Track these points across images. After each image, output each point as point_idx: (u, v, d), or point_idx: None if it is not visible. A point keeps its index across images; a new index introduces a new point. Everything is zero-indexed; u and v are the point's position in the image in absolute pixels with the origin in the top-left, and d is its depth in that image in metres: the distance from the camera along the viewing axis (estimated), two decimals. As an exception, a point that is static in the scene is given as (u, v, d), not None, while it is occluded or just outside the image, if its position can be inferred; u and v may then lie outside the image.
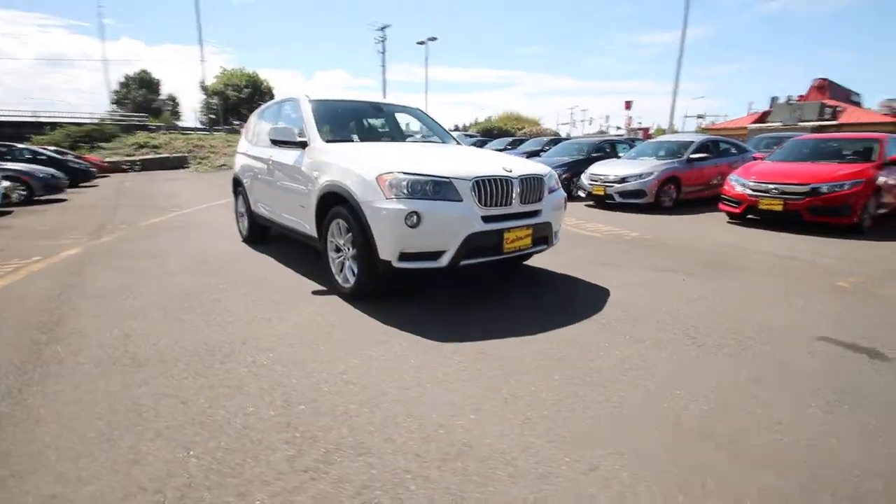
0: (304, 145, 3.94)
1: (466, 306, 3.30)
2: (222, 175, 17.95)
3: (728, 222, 7.10)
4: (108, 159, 19.08)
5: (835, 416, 1.95)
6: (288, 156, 4.16)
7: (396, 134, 4.75)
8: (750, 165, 7.41)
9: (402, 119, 4.97)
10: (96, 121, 24.94)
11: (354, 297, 3.36)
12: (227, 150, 22.45)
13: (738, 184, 6.94)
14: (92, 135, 21.59)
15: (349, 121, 4.62)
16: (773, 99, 31.08)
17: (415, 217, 2.92)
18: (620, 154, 10.65)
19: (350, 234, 3.27)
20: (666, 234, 6.28)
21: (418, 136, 4.61)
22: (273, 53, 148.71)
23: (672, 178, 8.35)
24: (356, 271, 3.28)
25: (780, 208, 6.37)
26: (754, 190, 6.67)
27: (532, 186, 3.38)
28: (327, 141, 3.89)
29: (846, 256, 4.97)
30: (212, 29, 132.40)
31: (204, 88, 34.19)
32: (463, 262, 3.09)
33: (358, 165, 3.24)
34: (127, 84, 46.13)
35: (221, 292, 3.62)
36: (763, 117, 26.24)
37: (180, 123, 40.45)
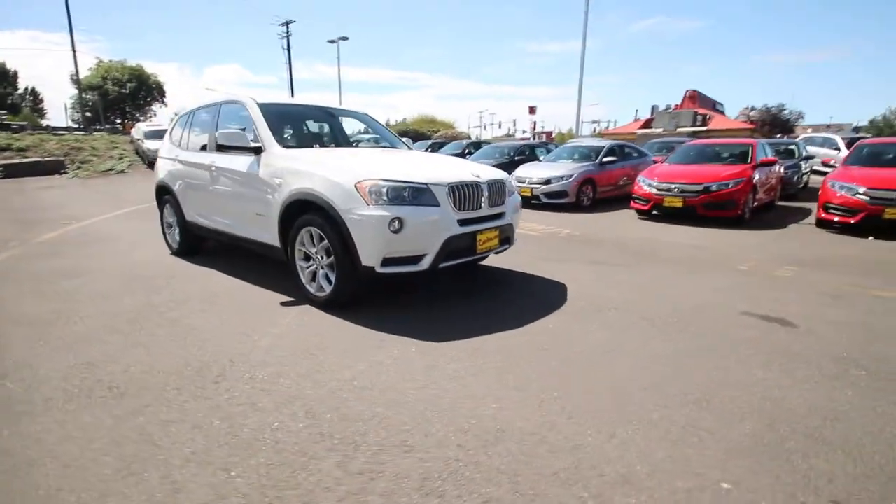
0: (257, 151, 3.79)
1: (442, 308, 3.44)
2: (112, 181, 16.02)
3: (638, 218, 8.01)
4: (-44, 165, 16.01)
5: (772, 373, 2.42)
6: (237, 162, 3.96)
7: (346, 139, 4.73)
8: (653, 168, 8.43)
9: (350, 124, 4.95)
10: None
11: (330, 305, 3.33)
12: (112, 152, 20.02)
13: (645, 184, 7.87)
14: (-70, 135, 17.93)
15: (300, 125, 4.51)
16: (654, 107, 35.13)
17: (397, 223, 2.99)
18: (540, 157, 11.44)
19: (325, 241, 3.24)
20: (592, 230, 6.93)
21: (369, 141, 4.63)
22: (153, 44, 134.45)
23: (588, 179, 9.19)
24: (333, 279, 3.26)
25: (680, 205, 7.36)
26: (659, 189, 7.63)
27: (498, 190, 3.61)
28: (285, 147, 3.79)
29: (737, 244, 5.92)
30: (79, 14, 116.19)
31: (77, 82, 29.87)
32: (441, 265, 3.23)
33: (331, 172, 3.23)
34: (-31, 75, 38.93)
35: (175, 310, 3.36)
36: (647, 123, 29.62)
37: (45, 122, 35.06)
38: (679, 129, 25.49)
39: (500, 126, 58.52)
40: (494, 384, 2.27)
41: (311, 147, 4.09)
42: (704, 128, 25.98)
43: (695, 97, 30.07)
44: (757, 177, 7.54)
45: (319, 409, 2.05)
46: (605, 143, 10.74)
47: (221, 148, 4.25)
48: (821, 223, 6.85)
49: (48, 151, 19.23)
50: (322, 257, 3.34)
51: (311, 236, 3.37)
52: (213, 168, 4.25)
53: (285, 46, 33.89)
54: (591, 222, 7.70)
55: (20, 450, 1.77)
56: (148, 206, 9.91)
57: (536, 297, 3.69)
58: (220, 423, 1.95)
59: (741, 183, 7.15)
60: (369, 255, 3.05)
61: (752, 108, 34.17)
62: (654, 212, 7.83)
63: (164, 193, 5.23)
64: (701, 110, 27.96)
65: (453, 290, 3.85)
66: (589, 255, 5.28)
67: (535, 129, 52.55)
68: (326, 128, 4.70)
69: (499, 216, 3.63)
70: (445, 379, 2.32)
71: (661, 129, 25.87)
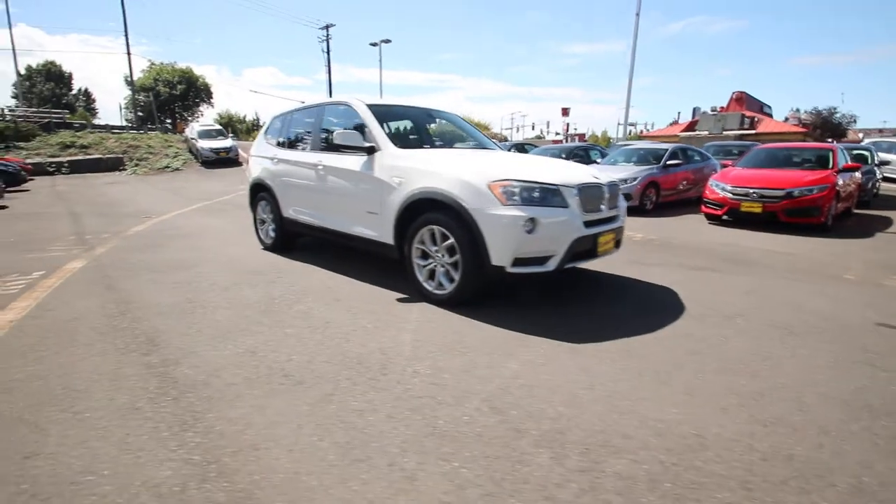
0: (370, 151, 3.88)
1: (560, 309, 3.43)
2: (168, 179, 16.69)
3: (708, 223, 7.82)
4: (28, 161, 16.97)
5: (949, 387, 2.32)
6: (347, 161, 4.06)
7: (448, 139, 4.78)
8: (726, 171, 8.21)
9: (445, 125, 5.00)
10: (7, 118, 22.05)
11: (449, 303, 3.37)
12: (167, 150, 20.84)
13: (719, 188, 7.67)
14: (4, 133, 19.05)
15: (406, 126, 4.60)
16: (696, 109, 34.24)
17: (531, 223, 3.01)
18: (596, 160, 11.30)
19: (449, 240, 3.28)
20: (665, 234, 6.80)
21: (471, 143, 4.67)
22: (192, 46, 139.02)
23: (652, 182, 9.02)
24: (457, 277, 3.30)
25: (759, 210, 7.13)
26: (735, 194, 7.41)
27: (615, 193, 3.60)
28: (399, 147, 3.87)
29: (828, 252, 5.70)
30: (120, 16, 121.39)
31: (131, 83, 31.26)
32: (564, 266, 3.23)
33: (461, 172, 3.27)
34: (30, 76, 41.16)
35: (300, 303, 3.47)
36: (691, 126, 28.87)
37: (97, 121, 36.77)
38: (725, 132, 24.74)
39: (532, 128, 58.14)
40: (662, 388, 2.25)
41: (421, 147, 4.14)
42: (753, 131, 25.13)
43: (742, 99, 29.14)
44: (840, 182, 7.25)
45: (499, 405, 2.07)
46: (667, 146, 10.52)
47: (329, 147, 4.39)
48: None
49: (108, 149, 20.19)
50: (443, 256, 3.39)
51: (433, 235, 3.42)
52: (320, 167, 4.37)
53: (325, 49, 34.54)
54: (660, 226, 7.55)
55: (236, 434, 1.85)
56: (212, 202, 10.32)
57: (652, 302, 3.64)
58: (412, 413, 2.00)
59: (826, 189, 6.89)
60: (501, 254, 3.07)
61: (799, 111, 32.95)
62: (726, 217, 7.62)
63: (259, 191, 5.41)
64: (748, 113, 27.08)
65: (560, 291, 3.84)
66: (676, 259, 5.18)
67: (567, 130, 51.99)
68: (427, 128, 4.77)
69: (614, 219, 3.61)
70: (608, 380, 2.31)
71: (706, 132, 25.16)
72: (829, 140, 25.11)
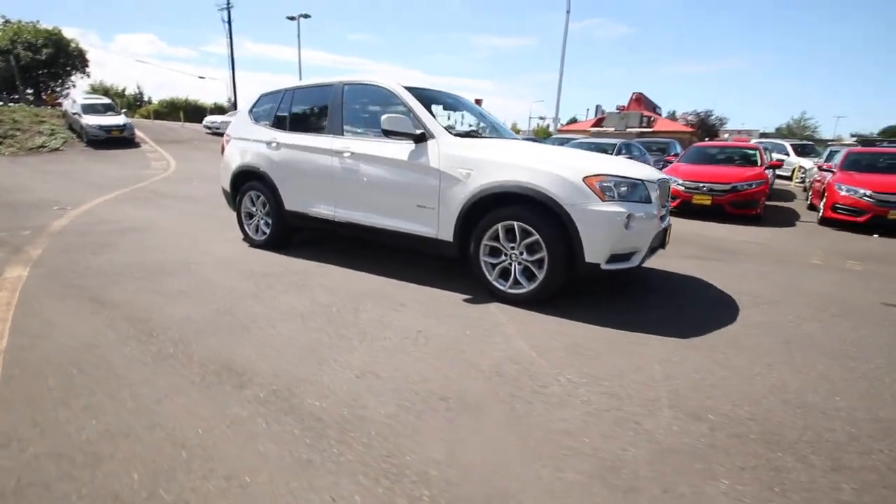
0: (420, 139, 3.55)
1: (629, 306, 3.46)
2: (48, 161, 13.94)
3: (662, 214, 8.51)
4: None
5: None
6: (390, 149, 3.68)
7: (491, 128, 4.49)
8: (675, 167, 8.98)
9: (476, 112, 4.70)
10: None
11: (529, 302, 3.22)
12: (41, 126, 17.36)
13: (672, 182, 8.37)
14: None
15: (446, 113, 4.26)
16: (598, 107, 37.20)
17: (628, 219, 2.97)
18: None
19: (531, 237, 3.12)
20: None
21: (505, 134, 4.47)
22: (51, 2, 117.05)
23: (607, 175, 9.57)
24: (541, 276, 3.14)
25: (709, 202, 7.92)
26: (687, 188, 8.15)
27: (668, 189, 3.70)
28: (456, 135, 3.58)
29: (782, 240, 6.51)
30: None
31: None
32: (645, 261, 3.25)
33: (549, 165, 3.11)
34: None
35: (363, 311, 3.08)
36: (598, 122, 31.28)
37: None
38: (628, 129, 27.17)
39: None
40: (791, 378, 2.36)
41: (469, 136, 3.86)
42: (650, 129, 27.98)
43: (640, 99, 32.26)
44: (769, 177, 8.32)
45: (691, 409, 2.01)
46: (614, 140, 11.22)
47: (360, 132, 3.94)
48: (825, 221, 7.73)
49: (-44, 122, 16.32)
50: (521, 253, 3.22)
51: (509, 231, 3.23)
52: (346, 154, 3.90)
53: (225, 18, 31.22)
54: (627, 217, 8.04)
55: (464, 478, 1.56)
56: (129, 190, 8.82)
57: (698, 291, 3.81)
58: (620, 429, 1.85)
59: (762, 184, 7.85)
60: (597, 251, 2.99)
61: (675, 112, 37.42)
62: (675, 209, 8.35)
63: (247, 179, 4.70)
64: (646, 112, 30.07)
65: (600, 286, 3.88)
66: (670, 249, 5.53)
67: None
68: (464, 116, 4.48)
69: (667, 214, 3.72)
70: (752, 375, 2.36)
71: (612, 129, 27.42)
72: (706, 138, 28.83)
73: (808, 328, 3.06)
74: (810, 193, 9.55)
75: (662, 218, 3.42)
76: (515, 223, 3.18)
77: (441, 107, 4.30)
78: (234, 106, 31.80)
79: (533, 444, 1.75)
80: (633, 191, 3.09)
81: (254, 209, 4.75)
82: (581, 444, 1.76)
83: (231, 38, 31.73)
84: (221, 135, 22.10)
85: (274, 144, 4.44)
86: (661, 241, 3.40)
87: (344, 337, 2.66)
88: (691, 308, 3.39)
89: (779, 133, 49.19)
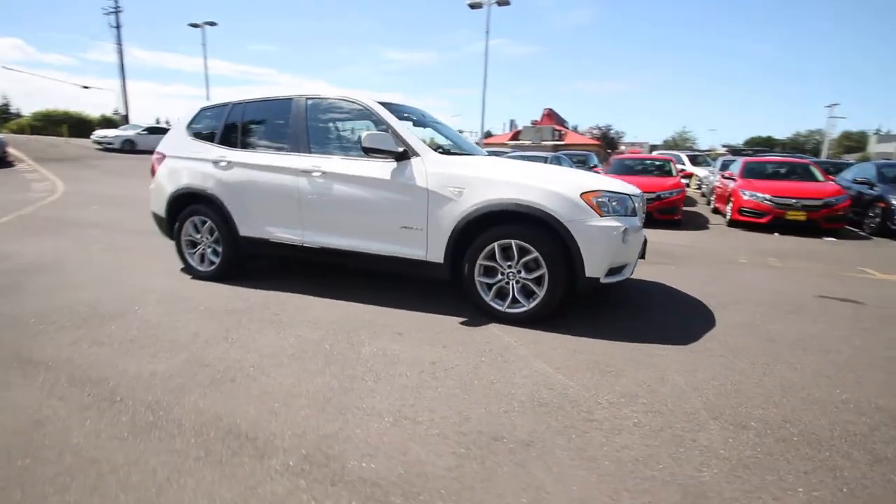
0: (402, 157, 3.37)
1: (616, 317, 3.54)
2: None
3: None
4: None
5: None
6: (368, 167, 3.45)
7: (461, 144, 4.36)
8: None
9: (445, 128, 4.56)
10: None
11: (530, 320, 3.15)
12: None
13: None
14: None
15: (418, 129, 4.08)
16: (512, 121, 39.11)
17: (625, 233, 3.04)
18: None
19: (531, 255, 3.07)
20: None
21: (478, 150, 4.39)
22: None
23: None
24: (542, 293, 3.09)
25: (639, 210, 8.56)
26: (618, 196, 8.74)
27: (643, 203, 3.87)
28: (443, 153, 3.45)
29: (704, 242, 7.20)
30: None
31: None
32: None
33: (546, 182, 3.09)
34: None
35: (363, 344, 2.81)
36: (515, 136, 32.82)
37: None
38: (543, 142, 28.81)
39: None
40: (801, 372, 2.54)
41: (448, 153, 3.73)
42: (562, 142, 29.93)
43: (551, 115, 34.47)
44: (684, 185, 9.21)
45: (726, 418, 2.05)
46: (546, 154, 11.75)
47: (330, 150, 3.69)
48: (733, 223, 8.70)
49: None
50: (519, 272, 3.16)
51: (505, 250, 3.16)
52: (318, 174, 3.59)
53: (114, 24, 28.17)
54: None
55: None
56: (14, 217, 7.46)
57: (671, 297, 4.02)
58: (735, 463, 1.82)
59: (681, 192, 8.66)
60: (597, 266, 3.02)
61: (577, 126, 40.63)
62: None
63: (188, 203, 4.16)
64: (557, 127, 32.18)
65: (585, 300, 3.96)
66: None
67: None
68: (436, 131, 4.32)
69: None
70: (760, 376, 2.50)
71: (529, 142, 28.92)
72: (609, 150, 31.52)
73: (777, 326, 3.34)
74: (713, 198, 10.73)
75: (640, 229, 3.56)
76: (513, 241, 3.11)
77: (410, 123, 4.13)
78: (126, 119, 28.67)
79: (611, 478, 1.66)
80: (623, 205, 3.18)
81: (198, 236, 4.20)
82: (657, 471, 1.71)
83: (120, 44, 28.66)
84: (117, 150, 19.84)
85: (223, 163, 3.97)
86: (642, 253, 3.54)
87: (355, 378, 2.39)
88: (672, 314, 3.56)
89: (666, 145, 55.37)
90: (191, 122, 4.31)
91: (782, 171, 9.48)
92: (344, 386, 2.30)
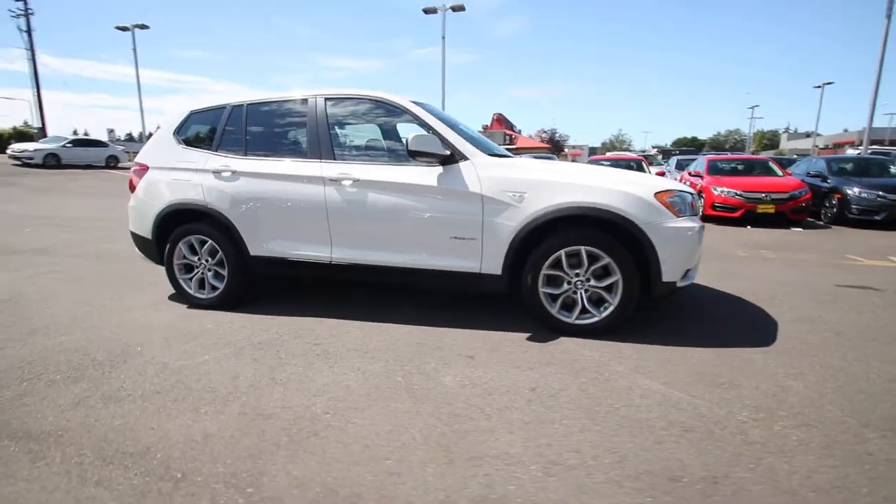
0: (448, 160, 3.06)
1: (668, 318, 3.41)
2: None
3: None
4: None
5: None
6: (410, 173, 3.11)
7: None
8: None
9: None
10: None
11: (600, 331, 2.93)
12: None
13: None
14: None
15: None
16: (462, 127, 39.22)
17: (701, 232, 2.92)
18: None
19: (602, 261, 2.86)
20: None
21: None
22: None
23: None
24: (615, 301, 2.88)
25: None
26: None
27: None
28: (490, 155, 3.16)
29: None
30: None
31: None
32: (690, 275, 3.24)
33: (617, 184, 2.89)
34: None
35: (441, 373, 2.47)
36: (467, 141, 32.98)
37: None
38: (495, 147, 29.13)
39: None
40: (881, 363, 2.50)
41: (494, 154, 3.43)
42: (514, 146, 30.41)
43: (501, 119, 35.02)
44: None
45: (868, 421, 1.93)
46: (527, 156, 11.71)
47: (360, 156, 3.30)
48: (705, 218, 9.05)
49: None
50: (588, 280, 2.93)
51: (572, 257, 2.92)
52: (348, 182, 3.18)
53: (24, 28, 25.35)
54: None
55: None
56: None
57: (701, 295, 3.97)
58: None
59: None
60: (675, 269, 2.86)
61: (521, 130, 41.77)
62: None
63: (186, 220, 3.58)
64: (507, 131, 32.74)
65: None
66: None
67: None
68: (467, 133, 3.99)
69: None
70: (861, 372, 2.43)
71: (481, 147, 29.16)
72: (556, 153, 32.47)
73: (830, 317, 3.35)
74: (678, 196, 11.20)
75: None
76: (582, 248, 2.88)
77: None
78: (44, 131, 25.80)
79: (827, 515, 1.45)
80: (693, 205, 3.05)
81: (196, 259, 3.62)
82: (867, 498, 1.52)
83: (33, 50, 25.84)
84: (38, 166, 17.55)
85: (227, 174, 3.45)
86: (696, 254, 3.44)
87: (459, 416, 2.04)
88: (724, 313, 3.48)
89: (604, 147, 58.18)
90: (178, 128, 3.73)
91: (744, 167, 10.02)
92: (454, 428, 1.95)
